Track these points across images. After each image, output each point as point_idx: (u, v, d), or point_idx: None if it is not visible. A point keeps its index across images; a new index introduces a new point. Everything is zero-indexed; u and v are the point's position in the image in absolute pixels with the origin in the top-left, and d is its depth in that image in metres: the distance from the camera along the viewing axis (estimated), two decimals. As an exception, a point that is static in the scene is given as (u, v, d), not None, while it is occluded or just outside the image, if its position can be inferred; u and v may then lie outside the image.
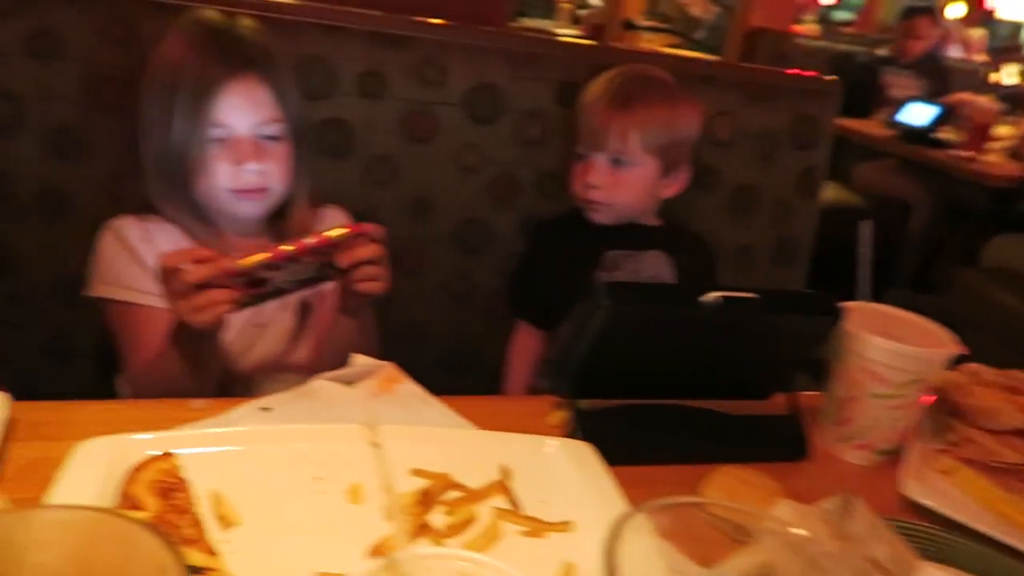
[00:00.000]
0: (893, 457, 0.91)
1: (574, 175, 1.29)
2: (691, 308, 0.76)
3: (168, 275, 0.85)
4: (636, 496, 0.72)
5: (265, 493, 0.66)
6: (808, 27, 5.87)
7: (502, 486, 0.72)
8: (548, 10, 6.24)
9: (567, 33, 4.76)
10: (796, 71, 1.64)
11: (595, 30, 4.87)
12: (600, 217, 1.28)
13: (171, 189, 1.03)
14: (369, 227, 0.89)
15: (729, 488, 0.75)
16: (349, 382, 0.86)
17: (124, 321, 1.06)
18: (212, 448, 0.68)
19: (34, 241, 1.21)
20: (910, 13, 3.82)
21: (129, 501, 0.60)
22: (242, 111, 1.00)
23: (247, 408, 0.80)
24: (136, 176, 1.07)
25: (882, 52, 3.90)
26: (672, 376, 0.86)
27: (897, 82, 3.65)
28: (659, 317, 0.78)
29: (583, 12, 6.13)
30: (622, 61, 1.40)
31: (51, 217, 1.21)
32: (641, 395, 0.88)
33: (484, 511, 0.69)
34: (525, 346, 1.37)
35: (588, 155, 1.26)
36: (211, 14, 1.05)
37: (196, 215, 1.05)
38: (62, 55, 1.16)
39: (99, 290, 1.06)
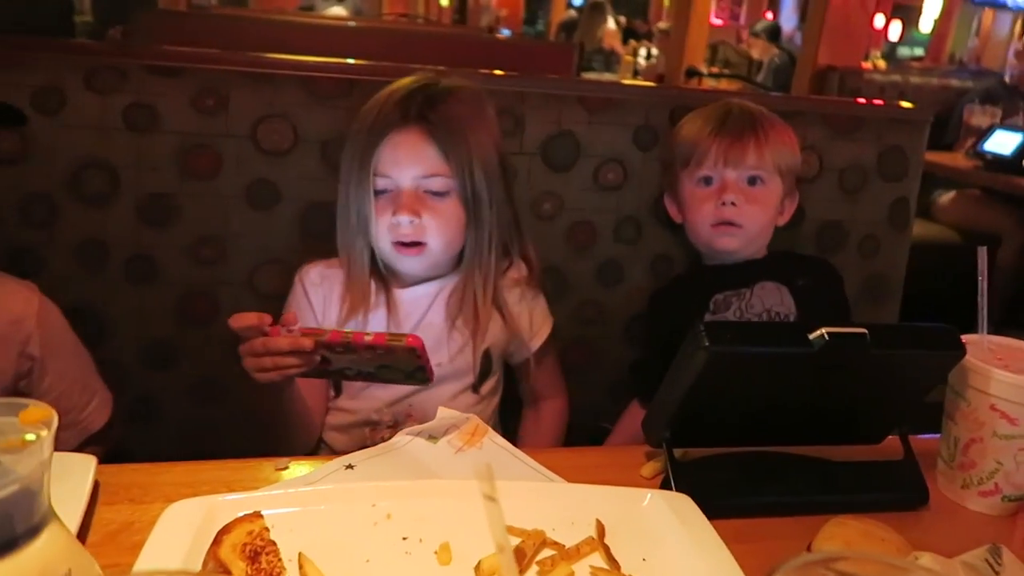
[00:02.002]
0: (1022, 503, 0.83)
1: (695, 202, 1.23)
2: (795, 347, 0.71)
3: (244, 332, 0.91)
4: (739, 551, 0.67)
5: (352, 554, 0.64)
6: (876, 63, 5.76)
7: (598, 543, 0.68)
8: (608, 64, 6.33)
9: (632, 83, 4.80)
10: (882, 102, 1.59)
11: (657, 79, 4.89)
12: (732, 243, 1.22)
13: (348, 237, 1.08)
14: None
15: (848, 541, 0.68)
16: (433, 437, 0.84)
17: None
18: (299, 508, 0.67)
19: (124, 306, 1.25)
20: None
21: (217, 565, 0.58)
22: (404, 162, 1.02)
23: (331, 466, 0.78)
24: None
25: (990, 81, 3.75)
26: (774, 422, 0.80)
27: (977, 111, 3.52)
28: (761, 358, 0.73)
29: (644, 63, 6.18)
30: (698, 102, 1.39)
31: (140, 282, 1.24)
32: (740, 443, 0.82)
33: (582, 570, 0.65)
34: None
35: (718, 176, 1.22)
36: (414, 81, 1.07)
37: (372, 266, 1.10)
38: (157, 127, 1.21)
39: None
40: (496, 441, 0.84)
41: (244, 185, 1.26)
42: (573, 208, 1.38)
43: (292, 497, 0.68)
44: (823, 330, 0.71)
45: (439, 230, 1.04)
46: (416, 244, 1.05)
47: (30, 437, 0.40)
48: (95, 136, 1.20)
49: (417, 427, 0.84)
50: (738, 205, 1.19)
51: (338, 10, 6.55)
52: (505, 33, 7.62)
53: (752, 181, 1.22)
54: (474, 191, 1.05)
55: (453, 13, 10.37)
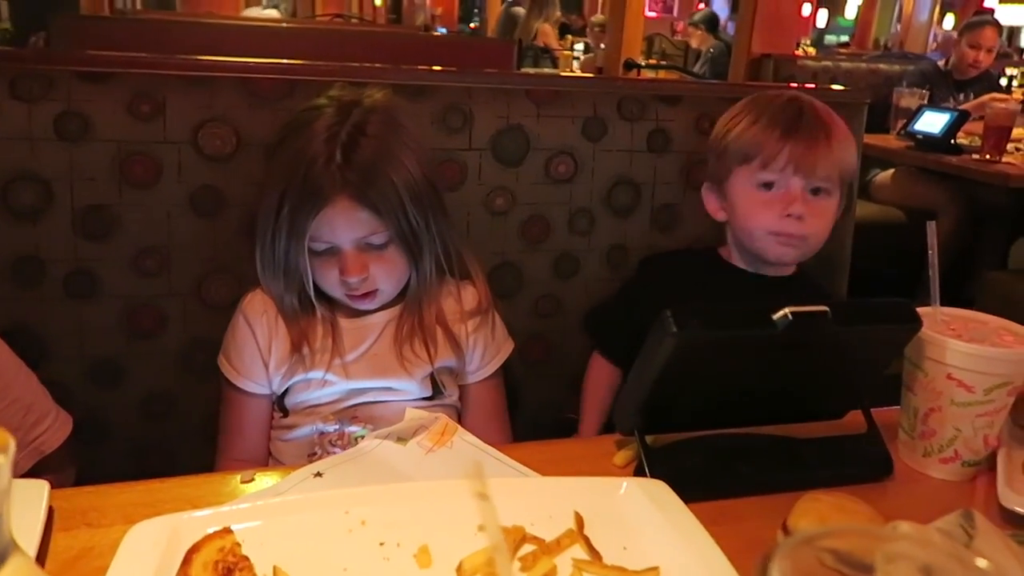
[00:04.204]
0: (980, 468, 0.85)
1: (753, 206, 1.13)
2: (760, 329, 0.72)
3: None
4: (716, 533, 0.68)
5: (328, 564, 0.62)
6: (807, 50, 5.91)
7: (578, 535, 0.67)
8: (536, 62, 6.33)
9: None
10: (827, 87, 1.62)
11: (596, 73, 4.92)
12: (790, 255, 1.14)
13: (276, 284, 1.07)
14: None
15: (822, 516, 0.69)
16: (402, 439, 0.82)
17: (223, 396, 1.13)
18: (270, 520, 0.64)
19: (64, 324, 1.19)
20: (979, 24, 3.80)
21: (189, 584, 0.55)
22: (340, 229, 1.02)
23: (298, 475, 0.76)
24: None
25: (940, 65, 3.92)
26: (742, 404, 0.81)
27: (905, 94, 3.64)
28: (728, 341, 0.73)
29: (582, 57, 6.21)
30: (644, 92, 1.40)
31: (80, 298, 1.19)
32: (708, 426, 0.83)
33: (564, 563, 0.64)
34: (607, 383, 1.30)
35: (782, 183, 1.12)
36: (329, 119, 1.03)
37: (305, 300, 1.08)
38: (90, 135, 1.16)
39: (220, 357, 1.12)
40: (466, 439, 0.83)
41: (187, 192, 1.21)
42: (525, 202, 1.37)
43: (261, 510, 0.65)
44: (787, 310, 0.72)
45: (388, 276, 1.06)
46: (368, 292, 1.06)
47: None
48: (23, 147, 1.14)
49: (385, 429, 0.82)
50: (804, 219, 1.11)
51: (272, 13, 6.42)
52: (441, 31, 7.58)
53: (816, 191, 1.12)
54: (412, 230, 1.04)
55: (388, 12, 10.27)
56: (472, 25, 11.06)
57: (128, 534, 0.61)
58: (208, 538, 0.60)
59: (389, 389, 1.09)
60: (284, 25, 3.46)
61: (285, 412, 1.10)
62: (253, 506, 0.66)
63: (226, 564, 0.57)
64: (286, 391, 1.09)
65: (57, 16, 2.33)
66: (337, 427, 1.06)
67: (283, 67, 1.28)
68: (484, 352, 1.16)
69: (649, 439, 0.80)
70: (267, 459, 1.11)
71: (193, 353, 1.24)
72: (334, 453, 0.99)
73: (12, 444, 0.37)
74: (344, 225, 1.02)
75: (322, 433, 1.07)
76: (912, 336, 0.80)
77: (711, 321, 0.73)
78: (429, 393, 1.11)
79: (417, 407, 1.09)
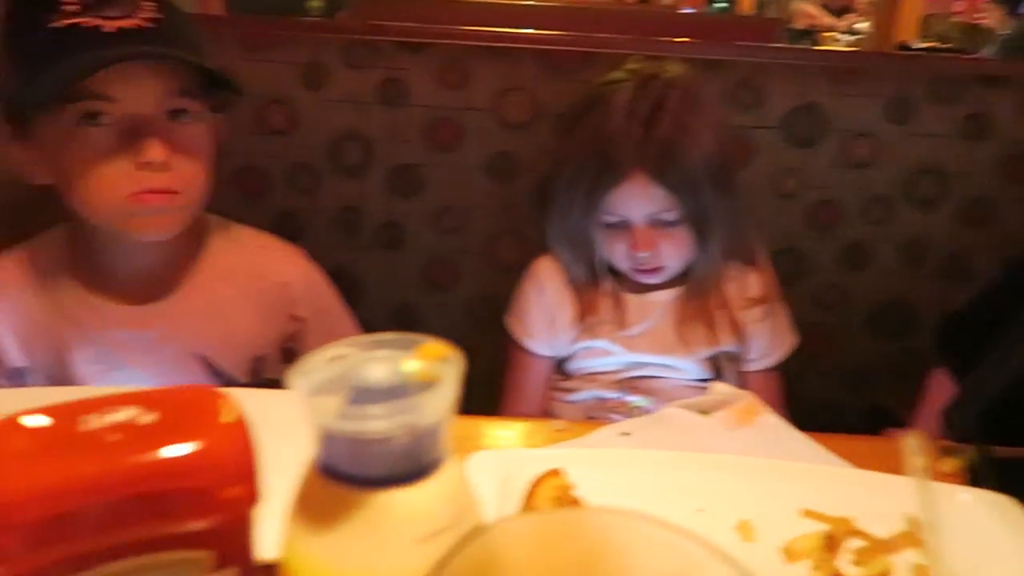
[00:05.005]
0: None
1: None
2: None
3: None
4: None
5: (652, 521, 0.63)
6: None
7: (915, 538, 0.63)
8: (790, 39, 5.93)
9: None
10: None
11: (863, 56, 4.55)
12: None
13: (569, 250, 1.10)
14: None
15: None
16: (705, 411, 0.82)
17: (508, 355, 1.16)
18: (595, 468, 0.66)
19: (375, 271, 1.32)
20: None
21: (534, 517, 0.59)
22: (634, 204, 1.02)
23: (606, 431, 0.78)
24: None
25: None
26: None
27: None
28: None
29: (848, 38, 5.76)
30: (962, 72, 1.27)
31: (389, 248, 1.31)
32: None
33: (901, 565, 0.60)
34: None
35: None
36: (628, 94, 1.02)
37: (593, 271, 1.10)
38: (406, 101, 1.26)
39: (508, 317, 1.16)
40: (771, 421, 0.80)
41: (485, 157, 1.29)
42: (816, 186, 1.30)
43: (590, 456, 0.68)
44: None
45: (676, 254, 1.05)
46: (655, 268, 1.06)
47: (432, 372, 0.41)
48: (351, 109, 1.28)
49: (689, 400, 0.82)
50: None
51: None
52: (688, 11, 7.37)
53: None
54: (703, 210, 1.02)
55: (634, -8, 10.18)
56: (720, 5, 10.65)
57: (469, 462, 0.66)
58: (545, 476, 0.63)
59: (669, 367, 1.09)
60: (544, 4, 3.53)
61: (565, 375, 1.14)
62: (586, 452, 0.69)
63: (563, 503, 0.60)
64: (569, 356, 1.13)
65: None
66: (618, 395, 1.08)
67: (581, 39, 1.31)
68: (767, 343, 1.13)
69: (1000, 449, 0.72)
70: (543, 418, 1.16)
71: (480, 308, 1.32)
72: (613, 420, 1.00)
73: (458, 356, 0.42)
74: (638, 201, 1.02)
75: (602, 400, 1.09)
76: None
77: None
78: (709, 376, 1.09)
79: (695, 388, 1.09)
